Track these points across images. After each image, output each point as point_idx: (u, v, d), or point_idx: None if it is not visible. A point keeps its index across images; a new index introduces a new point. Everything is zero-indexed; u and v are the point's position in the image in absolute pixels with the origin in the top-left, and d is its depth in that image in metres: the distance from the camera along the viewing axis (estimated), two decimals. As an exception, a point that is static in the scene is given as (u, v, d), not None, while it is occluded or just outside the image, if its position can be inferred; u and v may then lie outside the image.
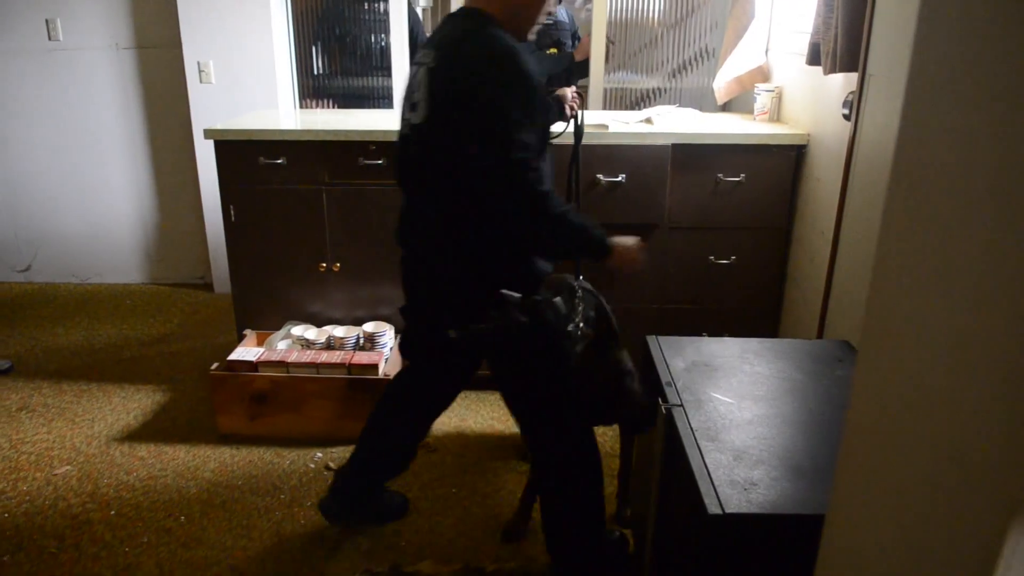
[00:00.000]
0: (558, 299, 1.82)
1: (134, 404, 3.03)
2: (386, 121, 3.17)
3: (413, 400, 2.19)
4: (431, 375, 2.17)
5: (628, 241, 1.86)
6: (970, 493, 0.68)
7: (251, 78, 3.86)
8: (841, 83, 2.46)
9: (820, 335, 2.54)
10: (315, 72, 4.19)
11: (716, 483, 1.35)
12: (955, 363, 0.70)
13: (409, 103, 1.82)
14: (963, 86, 0.71)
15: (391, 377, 2.29)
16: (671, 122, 3.02)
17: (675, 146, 2.79)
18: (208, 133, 2.87)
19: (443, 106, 1.69)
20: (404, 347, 2.16)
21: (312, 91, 4.21)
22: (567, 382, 1.84)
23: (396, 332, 2.99)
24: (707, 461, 1.41)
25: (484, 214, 1.74)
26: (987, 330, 0.66)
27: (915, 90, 0.80)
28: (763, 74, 3.29)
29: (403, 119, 1.86)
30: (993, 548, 0.63)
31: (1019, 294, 0.61)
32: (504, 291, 1.74)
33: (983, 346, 0.66)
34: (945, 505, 0.71)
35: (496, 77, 1.62)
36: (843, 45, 2.22)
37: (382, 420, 2.19)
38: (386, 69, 4.06)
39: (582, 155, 2.28)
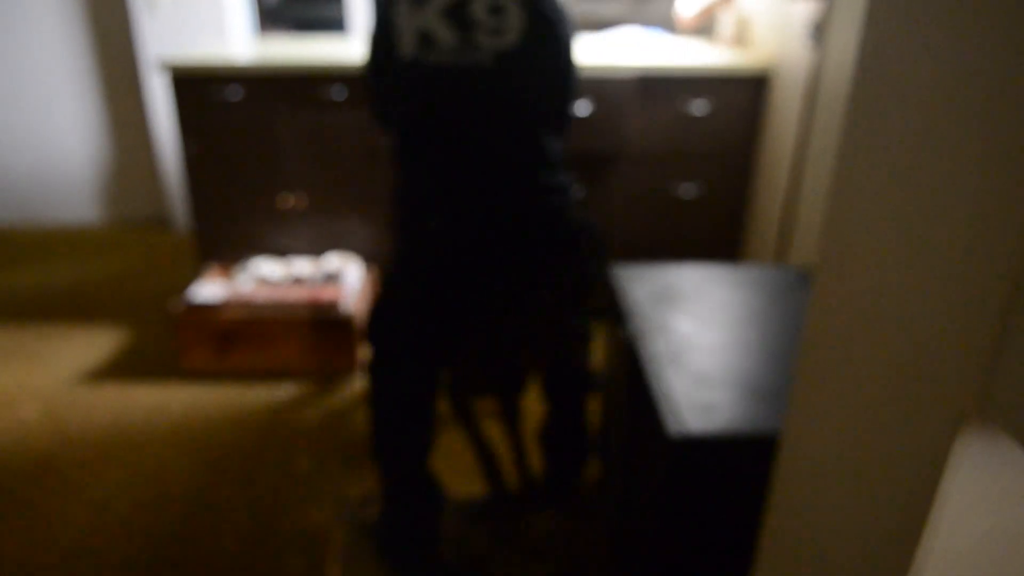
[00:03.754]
0: None
1: (96, 345, 3.00)
2: (344, 50, 3.08)
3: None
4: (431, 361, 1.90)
5: None
6: (920, 405, 0.70)
7: (201, 3, 3.70)
8: (808, 6, 2.44)
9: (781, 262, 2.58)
10: None
11: (677, 406, 1.38)
12: (908, 277, 0.72)
13: (472, 31, 1.64)
14: None
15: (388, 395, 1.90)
16: (636, 52, 2.97)
17: (640, 79, 2.76)
18: (162, 64, 2.77)
19: (544, 25, 1.68)
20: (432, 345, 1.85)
21: (270, 17, 4.07)
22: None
23: (365, 264, 2.97)
24: (668, 386, 1.44)
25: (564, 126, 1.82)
26: (942, 242, 0.67)
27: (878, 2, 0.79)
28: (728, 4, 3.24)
29: (455, 49, 1.64)
30: (941, 456, 0.65)
31: (975, 206, 0.62)
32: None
33: (937, 259, 0.67)
34: (895, 417, 0.74)
35: None
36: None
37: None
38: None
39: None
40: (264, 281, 2.88)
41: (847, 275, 0.83)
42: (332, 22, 4.05)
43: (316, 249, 3.03)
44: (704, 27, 3.44)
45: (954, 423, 0.64)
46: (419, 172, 1.76)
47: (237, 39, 3.72)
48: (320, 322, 2.71)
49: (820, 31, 2.27)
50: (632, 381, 1.63)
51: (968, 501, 0.66)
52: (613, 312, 1.86)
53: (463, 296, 1.84)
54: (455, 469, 2.29)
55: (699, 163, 2.92)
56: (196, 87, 2.80)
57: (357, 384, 2.74)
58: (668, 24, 3.58)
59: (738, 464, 1.37)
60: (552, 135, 1.77)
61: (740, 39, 3.08)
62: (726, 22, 3.09)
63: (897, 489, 0.72)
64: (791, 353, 1.58)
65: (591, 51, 2.94)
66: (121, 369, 2.83)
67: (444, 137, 1.72)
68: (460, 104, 1.70)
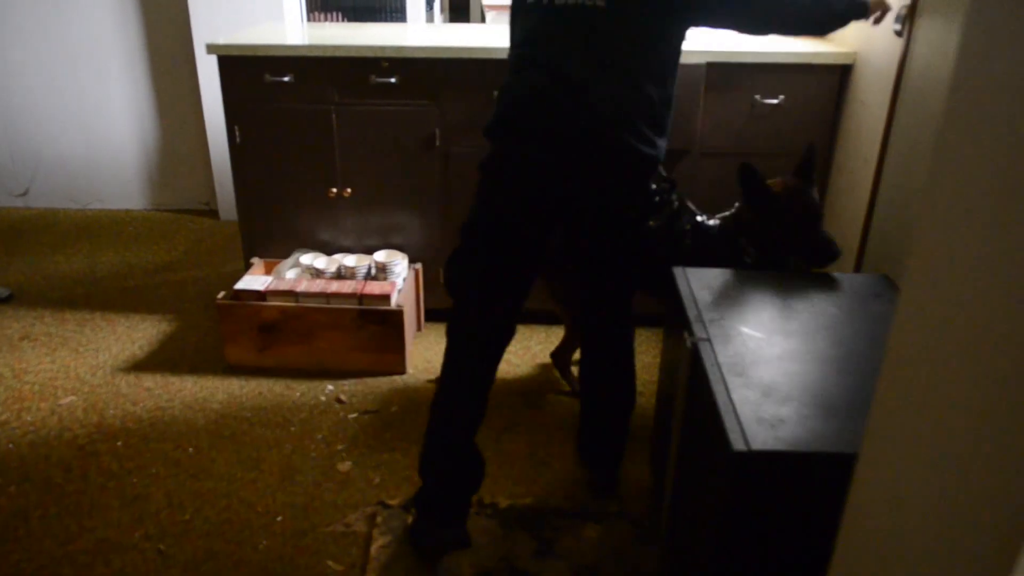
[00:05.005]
0: None
1: (139, 334, 3.08)
2: (399, 36, 3.10)
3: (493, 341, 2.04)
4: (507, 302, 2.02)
5: None
6: (1018, 432, 0.66)
7: (255, -11, 3.78)
8: (893, -5, 2.37)
9: (858, 269, 2.51)
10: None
11: (742, 419, 1.35)
12: (1008, 298, 0.68)
13: None
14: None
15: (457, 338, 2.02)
16: (706, 39, 2.93)
17: (710, 65, 2.71)
18: (211, 48, 2.83)
19: None
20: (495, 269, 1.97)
21: (320, 3, 4.13)
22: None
23: (410, 261, 2.99)
24: (733, 397, 1.41)
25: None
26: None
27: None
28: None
29: None
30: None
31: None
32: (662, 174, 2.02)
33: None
34: (990, 444, 0.70)
35: None
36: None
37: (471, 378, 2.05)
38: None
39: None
40: (310, 274, 2.92)
41: (940, 286, 0.80)
42: (388, 8, 4.09)
43: (364, 243, 3.06)
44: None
45: (1057, 452, 0.61)
46: (520, 105, 1.92)
47: (289, 23, 3.78)
48: (366, 317, 2.73)
49: (907, 20, 2.20)
50: (693, 390, 1.60)
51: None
52: (677, 316, 1.83)
53: (537, 229, 1.97)
54: (502, 474, 2.28)
55: (771, 159, 2.86)
56: (245, 72, 2.84)
57: (402, 384, 2.76)
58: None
59: (806, 484, 1.33)
60: (655, 85, 1.88)
61: (819, 28, 3.01)
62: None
63: (990, 520, 0.69)
64: (868, 367, 1.53)
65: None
66: (163, 360, 2.90)
67: (549, 70, 1.88)
68: (570, 41, 1.86)
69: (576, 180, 1.92)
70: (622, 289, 2.13)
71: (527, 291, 2.03)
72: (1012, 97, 0.70)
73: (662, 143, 1.94)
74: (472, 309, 2.01)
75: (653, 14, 1.85)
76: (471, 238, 1.99)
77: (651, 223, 2.10)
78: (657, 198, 2.08)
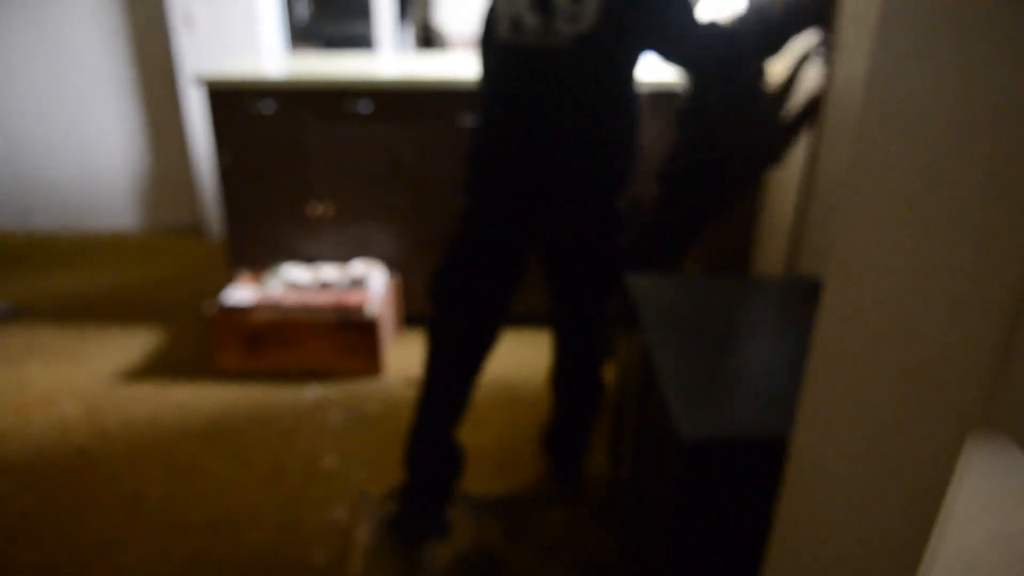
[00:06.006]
0: None
1: (135, 345, 3.03)
2: (372, 67, 3.11)
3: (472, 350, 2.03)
4: (487, 313, 2.01)
5: None
6: (927, 412, 0.69)
7: (236, 22, 3.75)
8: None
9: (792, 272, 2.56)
10: (299, 17, 4.09)
11: (688, 411, 1.37)
12: (916, 289, 0.71)
13: (552, 18, 1.77)
14: (933, 17, 0.70)
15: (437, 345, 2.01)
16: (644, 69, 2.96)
17: (648, 95, 2.74)
18: (201, 80, 2.81)
19: (622, 10, 1.75)
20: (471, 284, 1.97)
21: (301, 33, 4.11)
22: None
23: (389, 270, 2.99)
24: (680, 391, 1.43)
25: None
26: (949, 255, 0.66)
27: (887, 20, 0.78)
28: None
29: (536, 32, 1.79)
30: (948, 462, 0.65)
31: (982, 220, 0.61)
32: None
33: (944, 272, 0.67)
34: (904, 425, 0.73)
35: None
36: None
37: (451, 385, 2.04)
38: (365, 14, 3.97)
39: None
40: (293, 286, 2.91)
41: (856, 286, 0.83)
42: (361, 39, 4.08)
43: (342, 255, 3.05)
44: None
45: (961, 430, 0.63)
46: (493, 139, 1.91)
47: (270, 55, 3.76)
48: (346, 325, 2.72)
49: (829, 46, 2.25)
50: (645, 386, 1.63)
51: (975, 506, 0.66)
52: (628, 320, 1.85)
53: (514, 250, 1.97)
54: (473, 467, 2.29)
55: (712, 176, 2.90)
56: (231, 101, 2.83)
57: (381, 386, 2.75)
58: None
59: (747, 468, 1.35)
60: (618, 111, 1.88)
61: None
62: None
63: (905, 494, 0.72)
64: (801, 360, 1.56)
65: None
66: (157, 369, 2.86)
67: (519, 108, 1.87)
68: (536, 80, 1.85)
69: (546, 205, 1.91)
70: (592, 300, 2.11)
71: (510, 301, 2.02)
72: (912, 120, 0.73)
73: (629, 162, 1.95)
74: (459, 319, 1.99)
75: (615, 55, 1.83)
76: (457, 253, 1.98)
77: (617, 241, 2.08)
78: (622, 220, 2.06)
